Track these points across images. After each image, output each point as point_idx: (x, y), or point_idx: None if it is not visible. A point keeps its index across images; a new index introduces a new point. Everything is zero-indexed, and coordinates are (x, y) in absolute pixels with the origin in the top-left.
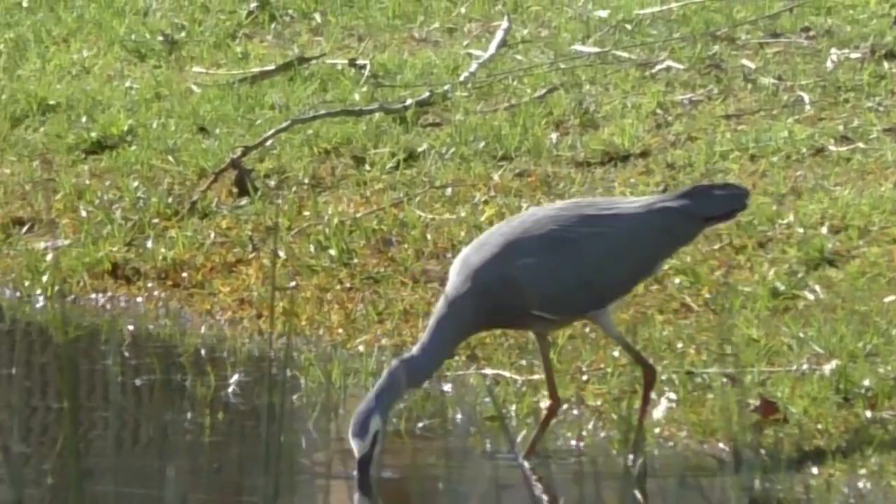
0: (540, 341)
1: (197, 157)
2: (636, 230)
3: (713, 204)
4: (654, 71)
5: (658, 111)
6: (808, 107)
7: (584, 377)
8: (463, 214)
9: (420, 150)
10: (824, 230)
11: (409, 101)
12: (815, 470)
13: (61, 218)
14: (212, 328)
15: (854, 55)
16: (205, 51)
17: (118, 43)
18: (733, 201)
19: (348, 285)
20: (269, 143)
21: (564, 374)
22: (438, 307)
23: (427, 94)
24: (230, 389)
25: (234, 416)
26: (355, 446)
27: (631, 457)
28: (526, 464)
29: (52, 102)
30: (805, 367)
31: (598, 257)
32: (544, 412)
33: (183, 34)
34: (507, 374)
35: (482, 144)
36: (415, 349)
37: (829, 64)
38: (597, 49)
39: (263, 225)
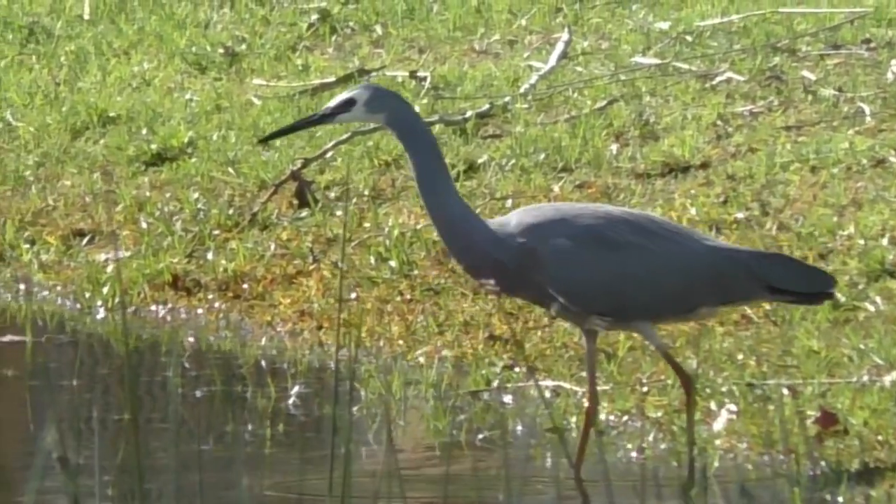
0: (588, 341)
1: (257, 168)
2: (683, 260)
3: (784, 276)
4: (714, 82)
5: (718, 123)
6: (868, 118)
7: (645, 389)
8: None
9: (480, 161)
10: (885, 241)
11: (469, 113)
12: (875, 481)
13: (122, 230)
14: (272, 340)
15: None
16: (265, 63)
17: (179, 55)
18: (808, 282)
19: (409, 297)
20: (329, 154)
21: (625, 385)
22: (503, 225)
23: (487, 105)
24: (291, 401)
25: (294, 428)
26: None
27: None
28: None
29: (112, 114)
30: (865, 378)
31: (630, 268)
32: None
33: (243, 46)
34: (567, 385)
35: (542, 156)
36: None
37: (889, 75)
38: (657, 61)
39: (324, 236)
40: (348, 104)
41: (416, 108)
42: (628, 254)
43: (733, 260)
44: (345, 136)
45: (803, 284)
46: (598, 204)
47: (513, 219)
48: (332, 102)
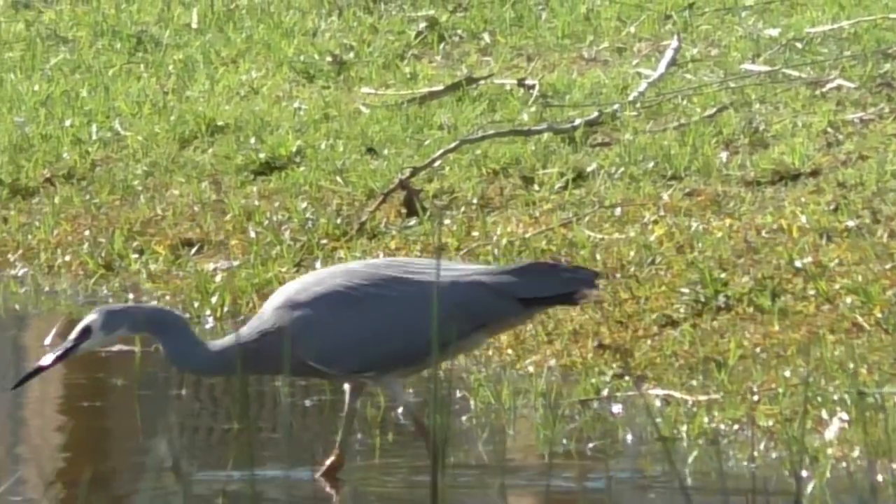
0: (350, 396)
1: (365, 177)
2: (424, 299)
3: (530, 285)
4: (824, 89)
5: (829, 130)
6: None
7: (755, 398)
8: (632, 234)
9: (589, 169)
10: None
11: (577, 121)
12: None
13: (230, 239)
14: None
15: None
16: (373, 71)
17: (287, 64)
18: (568, 285)
19: None
20: (437, 163)
21: (735, 394)
22: (251, 325)
23: (596, 113)
24: (400, 410)
25: (403, 437)
26: (92, 337)
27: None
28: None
29: (220, 123)
30: None
31: (373, 320)
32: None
33: (351, 55)
34: (677, 394)
35: (651, 164)
36: (216, 342)
37: None
38: (767, 68)
39: (432, 245)
40: (86, 332)
41: (524, 117)
42: (368, 306)
43: (474, 284)
44: (453, 145)
45: (556, 287)
46: (341, 265)
47: (265, 311)
48: (72, 334)
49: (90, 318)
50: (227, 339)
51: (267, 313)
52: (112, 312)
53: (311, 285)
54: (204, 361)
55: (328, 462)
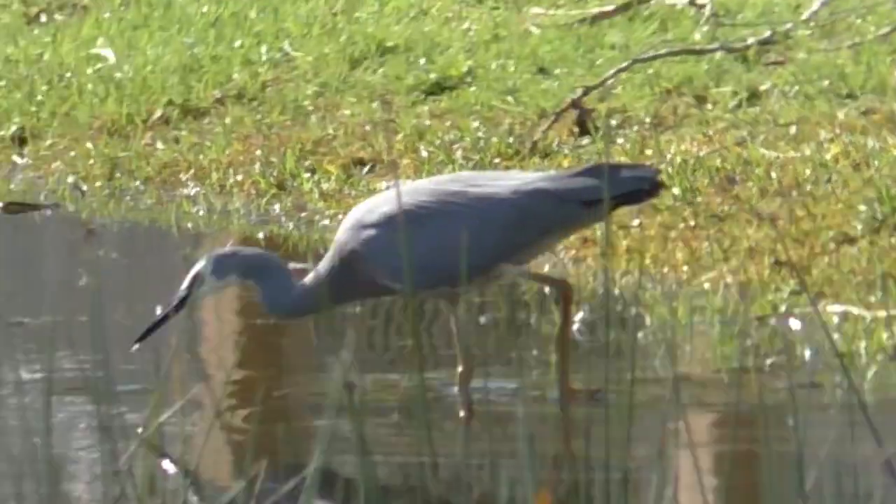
0: (450, 308)
1: (537, 97)
2: (489, 213)
3: (594, 187)
4: None
5: None
6: None
7: None
8: (807, 153)
9: (763, 88)
10: None
11: (750, 41)
12: None
13: (402, 158)
14: (556, 266)
15: None
16: None
17: None
18: (632, 183)
19: (692, 223)
20: (609, 83)
21: None
22: (327, 256)
23: (769, 33)
24: (575, 327)
25: (579, 354)
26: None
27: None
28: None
29: (390, 44)
30: None
31: (443, 236)
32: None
33: None
34: (855, 310)
35: (826, 83)
36: (304, 282)
37: None
38: None
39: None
40: (197, 279)
41: (696, 36)
42: (435, 222)
43: (537, 191)
44: (625, 64)
45: (619, 188)
46: (409, 183)
47: (337, 239)
48: (183, 284)
49: (200, 265)
50: (309, 277)
51: (339, 240)
52: (221, 257)
53: (379, 205)
54: (296, 304)
55: (458, 372)
